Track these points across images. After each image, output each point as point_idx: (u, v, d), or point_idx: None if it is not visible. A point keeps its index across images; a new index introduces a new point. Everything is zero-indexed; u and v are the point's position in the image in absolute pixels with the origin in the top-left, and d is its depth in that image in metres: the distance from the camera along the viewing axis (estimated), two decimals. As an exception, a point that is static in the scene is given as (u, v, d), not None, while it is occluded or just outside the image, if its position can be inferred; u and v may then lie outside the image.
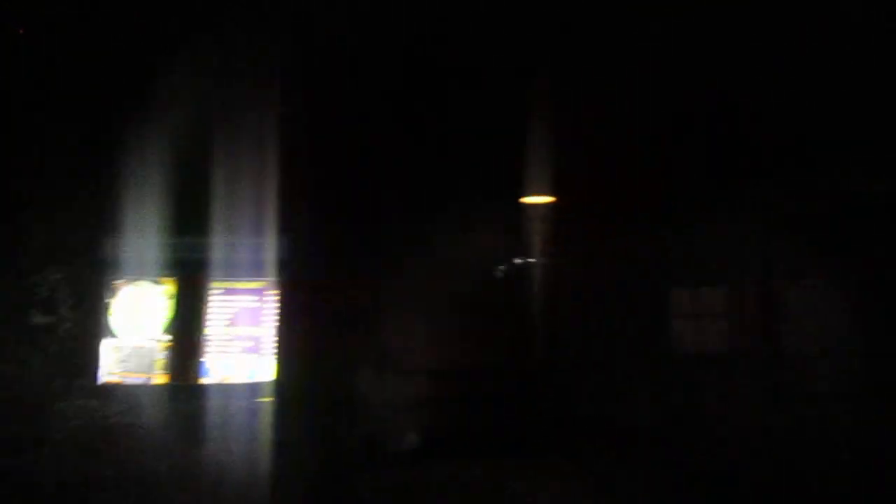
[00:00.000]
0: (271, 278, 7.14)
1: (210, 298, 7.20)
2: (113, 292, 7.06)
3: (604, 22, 7.01)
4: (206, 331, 7.14)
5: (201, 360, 7.06)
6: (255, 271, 7.11)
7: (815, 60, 6.63)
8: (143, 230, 6.86)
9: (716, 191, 7.28)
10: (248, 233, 6.94)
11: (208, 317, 7.17)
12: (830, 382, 6.75)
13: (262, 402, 6.78)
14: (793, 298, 7.09)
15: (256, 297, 7.24)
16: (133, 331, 7.03)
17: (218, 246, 7.04)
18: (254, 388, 6.86)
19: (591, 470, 6.72)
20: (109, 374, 6.90)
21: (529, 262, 8.25)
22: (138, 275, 7.11)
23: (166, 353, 7.02)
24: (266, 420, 6.65)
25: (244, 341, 7.17)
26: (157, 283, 7.16)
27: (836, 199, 6.82)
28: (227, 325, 7.19)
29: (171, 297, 7.16)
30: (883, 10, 6.05)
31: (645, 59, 7.14)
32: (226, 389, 6.85)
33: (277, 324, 7.04)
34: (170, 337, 7.08)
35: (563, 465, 6.85)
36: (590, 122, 7.44)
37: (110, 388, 6.73)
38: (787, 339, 6.97)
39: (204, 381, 6.99)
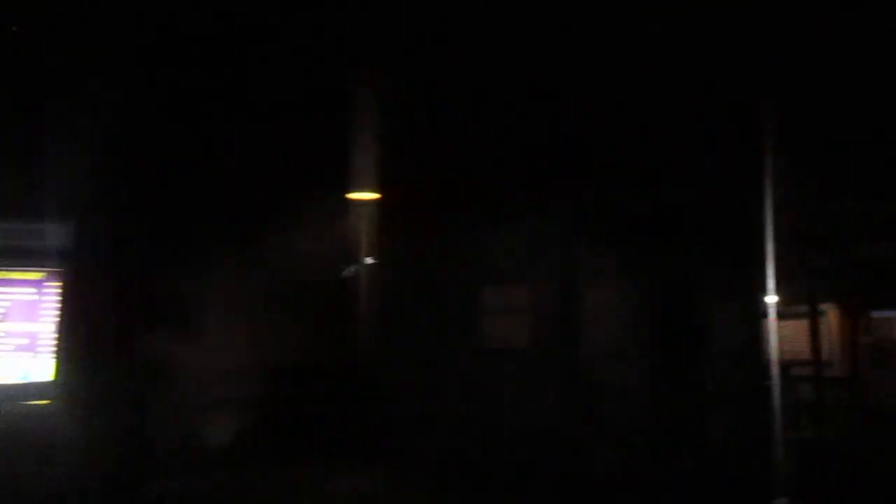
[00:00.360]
0: (53, 268, 6.39)
1: (-24, 290, 6.32)
2: None
3: (429, 17, 7.04)
4: (-30, 326, 6.25)
5: (-38, 359, 6.17)
6: (34, 260, 6.33)
7: (616, 69, 7.02)
8: None
9: (525, 192, 7.48)
10: (26, 216, 6.19)
11: (-27, 311, 6.29)
12: (627, 377, 7.11)
13: (36, 406, 6.02)
14: (593, 297, 7.41)
15: (34, 290, 6.44)
16: None
17: (-12, 230, 6.22)
18: (27, 391, 6.08)
19: (402, 468, 6.64)
20: None
21: (348, 259, 8.06)
22: None
23: (-82, 352, 6.07)
24: (40, 426, 5.91)
25: (17, 338, 6.34)
26: None
27: (635, 203, 7.23)
28: (-3, 321, 6.34)
29: (-74, 289, 6.22)
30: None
31: (461, 62, 7.26)
32: (-8, 392, 6.01)
33: (59, 319, 6.31)
34: (-77, 334, 6.13)
35: (376, 464, 6.70)
36: (405, 122, 7.43)
37: None
38: (587, 335, 7.25)
39: (-36, 383, 6.10)
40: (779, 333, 6.71)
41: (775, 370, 6.45)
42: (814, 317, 7.76)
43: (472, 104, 7.47)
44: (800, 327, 8.33)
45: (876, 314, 9.98)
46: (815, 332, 7.89)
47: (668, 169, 7.19)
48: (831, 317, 9.14)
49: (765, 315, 7.07)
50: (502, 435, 7.02)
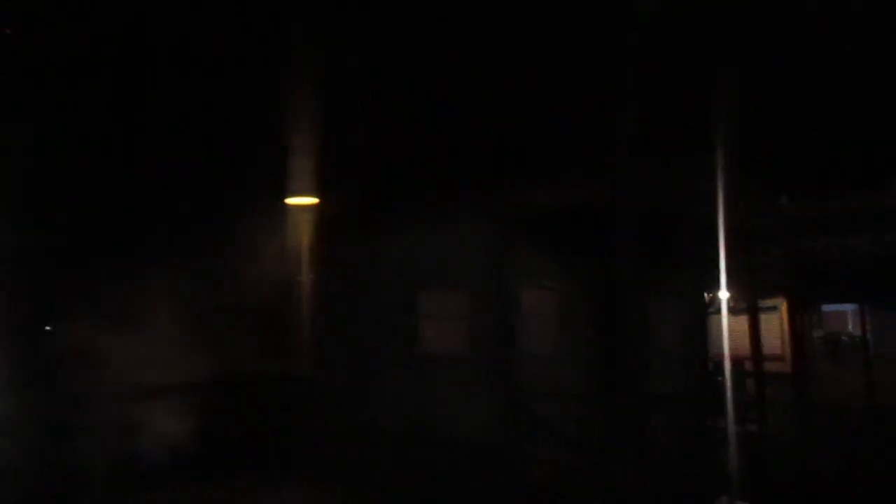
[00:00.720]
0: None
1: None
2: None
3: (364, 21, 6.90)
4: None
5: None
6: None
7: (542, 71, 6.91)
8: None
9: (458, 198, 7.32)
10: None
11: None
12: (565, 380, 6.95)
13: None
14: (528, 301, 7.26)
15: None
16: None
17: None
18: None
19: (337, 479, 6.42)
20: None
21: (281, 267, 7.77)
22: None
23: None
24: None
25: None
26: None
27: (570, 204, 7.07)
28: None
29: None
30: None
31: (394, 68, 7.13)
32: None
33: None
34: None
35: (311, 476, 6.47)
36: (341, 128, 7.25)
37: None
38: (523, 339, 7.09)
39: None
40: (729, 329, 6.62)
41: (727, 366, 6.35)
42: (754, 313, 7.68)
43: (405, 111, 7.34)
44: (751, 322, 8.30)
45: (826, 308, 10.06)
46: (757, 327, 7.84)
47: (604, 169, 7.05)
48: (783, 311, 9.13)
49: (718, 311, 6.97)
50: (437, 441, 6.78)
